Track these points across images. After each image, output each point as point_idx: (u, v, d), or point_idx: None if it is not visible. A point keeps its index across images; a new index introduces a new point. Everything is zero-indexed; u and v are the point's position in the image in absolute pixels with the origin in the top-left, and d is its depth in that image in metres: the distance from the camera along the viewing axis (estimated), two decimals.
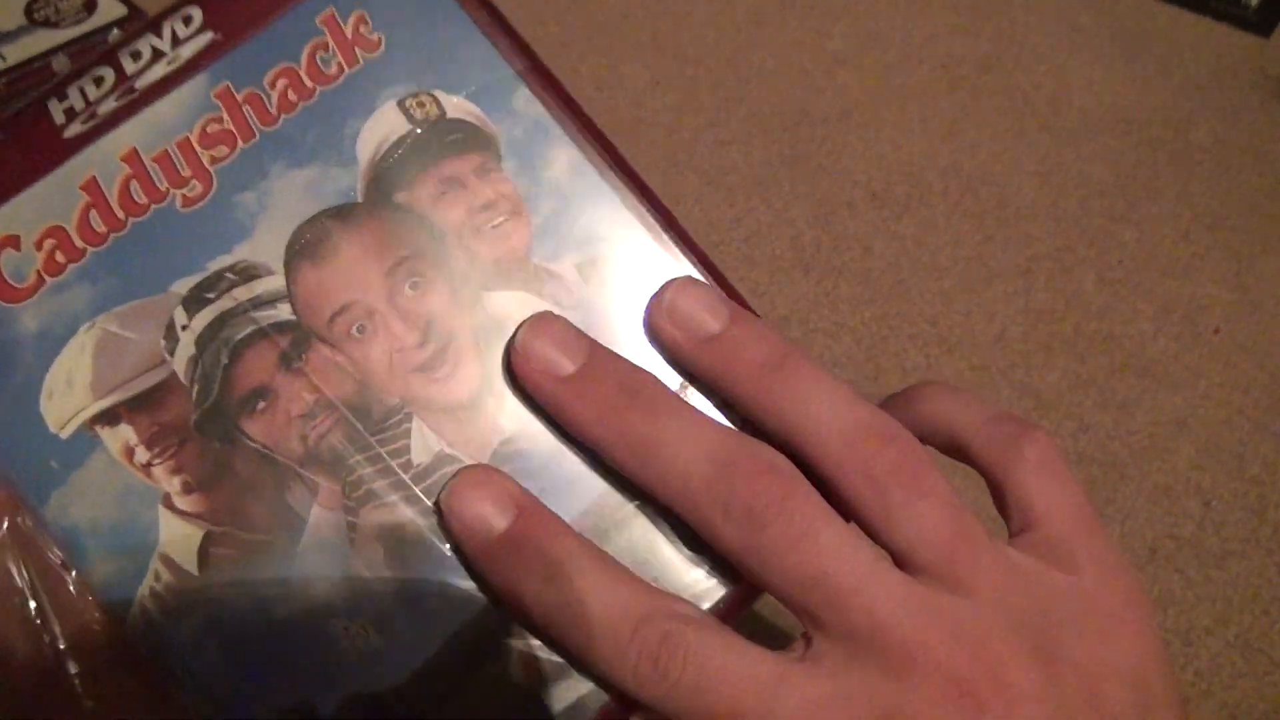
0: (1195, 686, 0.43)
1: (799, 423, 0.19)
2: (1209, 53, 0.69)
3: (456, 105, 0.22)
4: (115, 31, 0.56)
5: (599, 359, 0.20)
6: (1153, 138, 0.63)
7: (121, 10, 0.57)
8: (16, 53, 0.53)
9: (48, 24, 0.55)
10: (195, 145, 0.21)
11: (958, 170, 0.60)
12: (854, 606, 0.18)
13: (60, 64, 0.54)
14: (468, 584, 0.20)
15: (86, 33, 0.55)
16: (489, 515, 0.19)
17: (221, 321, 0.21)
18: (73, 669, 0.20)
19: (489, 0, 0.23)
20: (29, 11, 0.55)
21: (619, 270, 0.22)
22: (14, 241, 0.21)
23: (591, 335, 0.21)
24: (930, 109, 0.63)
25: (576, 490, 0.21)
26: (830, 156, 0.60)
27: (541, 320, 0.21)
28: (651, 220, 0.22)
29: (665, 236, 0.22)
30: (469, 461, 0.21)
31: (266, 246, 0.21)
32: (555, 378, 0.20)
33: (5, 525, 0.20)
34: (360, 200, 0.22)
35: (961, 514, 0.19)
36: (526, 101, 0.23)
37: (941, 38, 0.68)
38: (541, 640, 0.20)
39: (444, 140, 0.22)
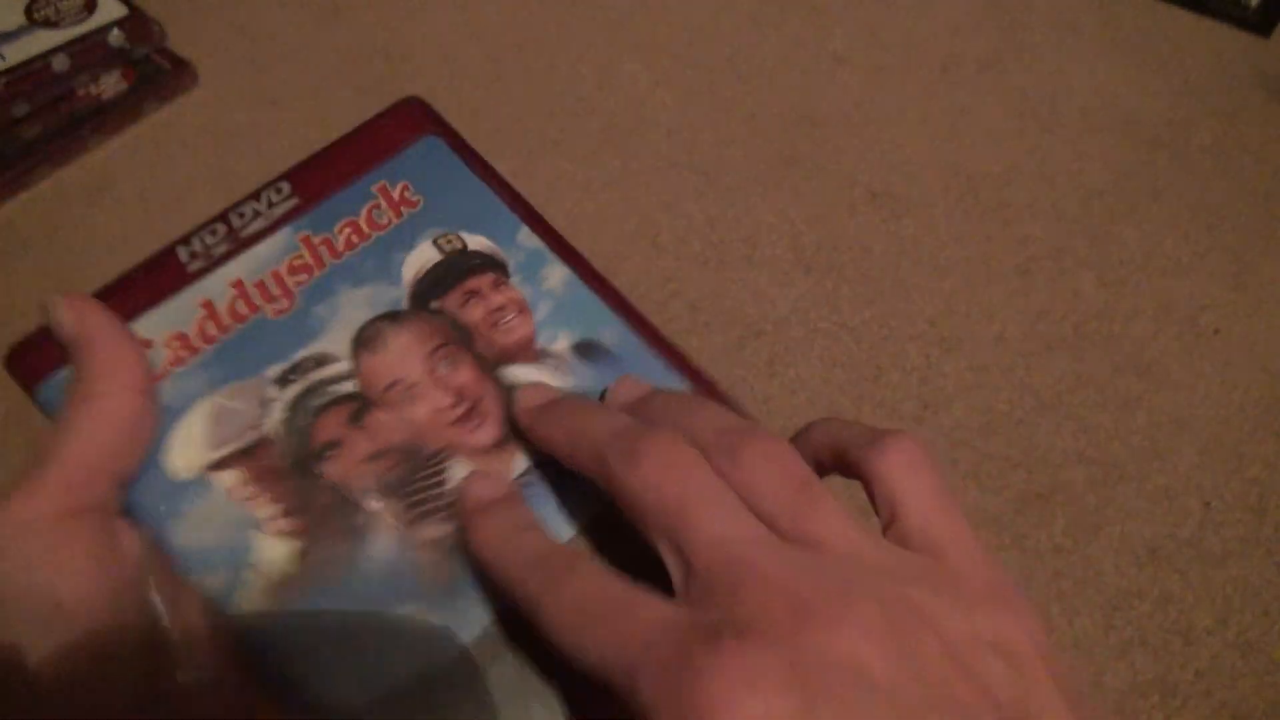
0: (1195, 686, 0.43)
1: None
2: (1209, 53, 0.69)
3: (476, 241, 0.30)
4: (115, 32, 0.56)
5: (563, 398, 0.27)
6: (1153, 138, 0.63)
7: (121, 10, 0.57)
8: (16, 53, 0.53)
9: (48, 24, 0.55)
10: (283, 275, 0.29)
11: (958, 170, 0.60)
12: (707, 538, 0.19)
13: (60, 64, 0.54)
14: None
15: (86, 32, 0.55)
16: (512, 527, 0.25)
17: (304, 394, 0.28)
18: (190, 675, 0.24)
19: (499, 174, 0.31)
20: (29, 11, 0.55)
21: (601, 350, 0.30)
22: (148, 343, 0.27)
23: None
24: (930, 109, 0.63)
25: (570, 517, 0.27)
26: (830, 156, 0.60)
27: (531, 384, 0.28)
28: (624, 316, 0.30)
29: (634, 329, 0.30)
30: None
31: (335, 341, 0.28)
32: (531, 411, 0.27)
33: (140, 552, 0.25)
34: (406, 307, 0.29)
35: (819, 490, 0.20)
36: (527, 237, 0.31)
37: (941, 38, 0.68)
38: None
39: (467, 264, 0.30)
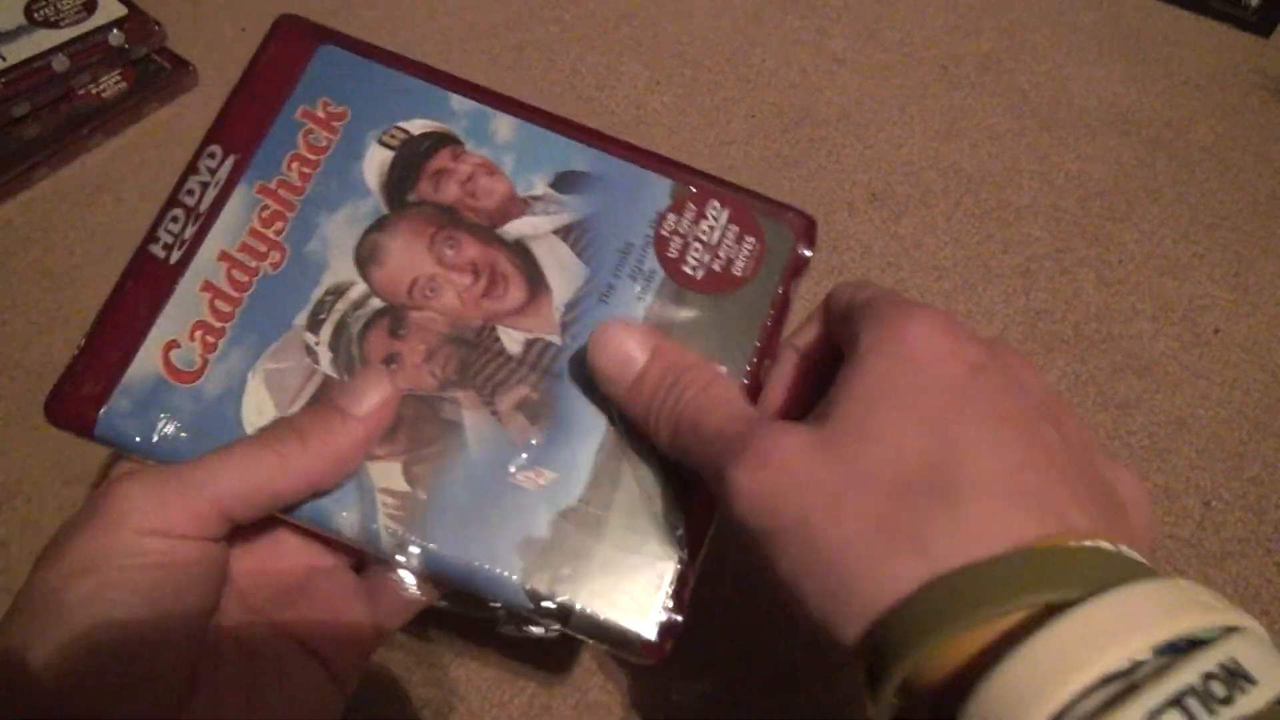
0: None
1: None
2: (1209, 53, 0.69)
3: (417, 125, 0.31)
4: (115, 32, 0.56)
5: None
6: (1153, 138, 0.63)
7: (121, 10, 0.57)
8: (16, 52, 0.53)
9: (48, 24, 0.55)
10: (260, 229, 0.29)
11: (958, 170, 0.60)
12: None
13: (60, 64, 0.54)
14: (586, 405, 0.29)
15: (86, 32, 0.55)
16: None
17: (339, 327, 0.29)
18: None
19: (401, 55, 0.31)
20: (29, 11, 0.55)
21: (580, 176, 0.32)
22: (175, 344, 0.28)
23: (567, 215, 0.31)
24: (930, 109, 0.63)
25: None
26: (830, 156, 0.60)
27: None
28: (584, 139, 0.32)
29: (600, 147, 0.32)
30: (549, 338, 0.30)
31: (341, 269, 0.29)
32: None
33: None
34: (387, 212, 0.30)
35: None
36: (459, 102, 0.31)
37: (941, 38, 0.68)
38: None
39: (420, 149, 0.31)
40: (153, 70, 0.58)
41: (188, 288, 0.28)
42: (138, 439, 0.27)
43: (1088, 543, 0.20)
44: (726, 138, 0.60)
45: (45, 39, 0.55)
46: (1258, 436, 0.50)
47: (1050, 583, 0.19)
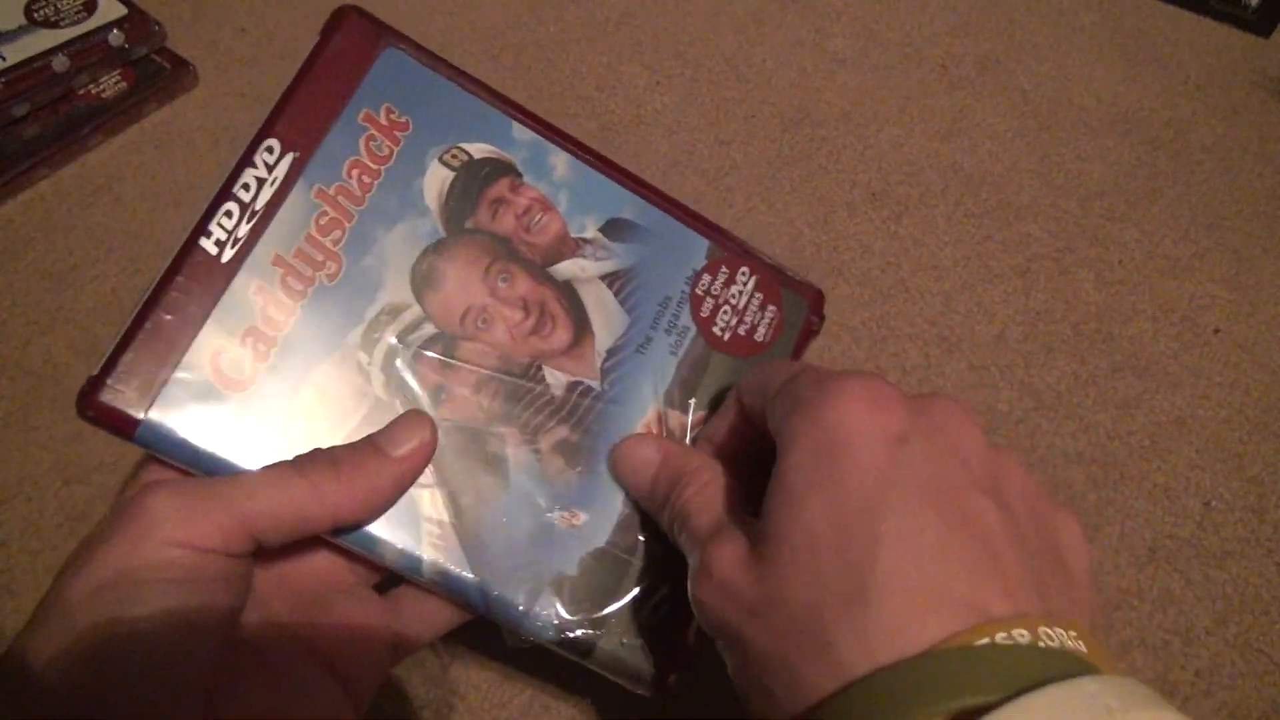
0: (1195, 686, 0.43)
1: None
2: (1209, 53, 0.69)
3: (478, 149, 0.30)
4: (115, 32, 0.56)
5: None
6: (1153, 138, 0.63)
7: (121, 10, 0.57)
8: (16, 52, 0.53)
9: (48, 24, 0.55)
10: (318, 237, 0.28)
11: (958, 170, 0.60)
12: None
13: (60, 64, 0.54)
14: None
15: (86, 32, 0.55)
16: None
17: (392, 351, 0.28)
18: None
19: (465, 72, 0.31)
20: (29, 11, 0.55)
21: (629, 225, 0.32)
22: (225, 348, 0.26)
23: (614, 261, 0.32)
24: (930, 109, 0.63)
25: (653, 390, 0.31)
26: (830, 156, 0.60)
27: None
28: (635, 189, 0.32)
29: (648, 199, 0.33)
30: (590, 382, 0.31)
31: (397, 289, 0.28)
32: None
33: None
34: (445, 235, 0.29)
35: None
36: (520, 131, 0.31)
37: (941, 38, 0.68)
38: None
39: (480, 175, 0.30)
40: (153, 70, 0.58)
41: (240, 290, 0.27)
42: (182, 445, 0.26)
43: (1001, 636, 0.19)
44: (726, 138, 0.60)
45: (45, 39, 0.55)
46: (1258, 436, 0.50)
47: (956, 689, 0.18)
